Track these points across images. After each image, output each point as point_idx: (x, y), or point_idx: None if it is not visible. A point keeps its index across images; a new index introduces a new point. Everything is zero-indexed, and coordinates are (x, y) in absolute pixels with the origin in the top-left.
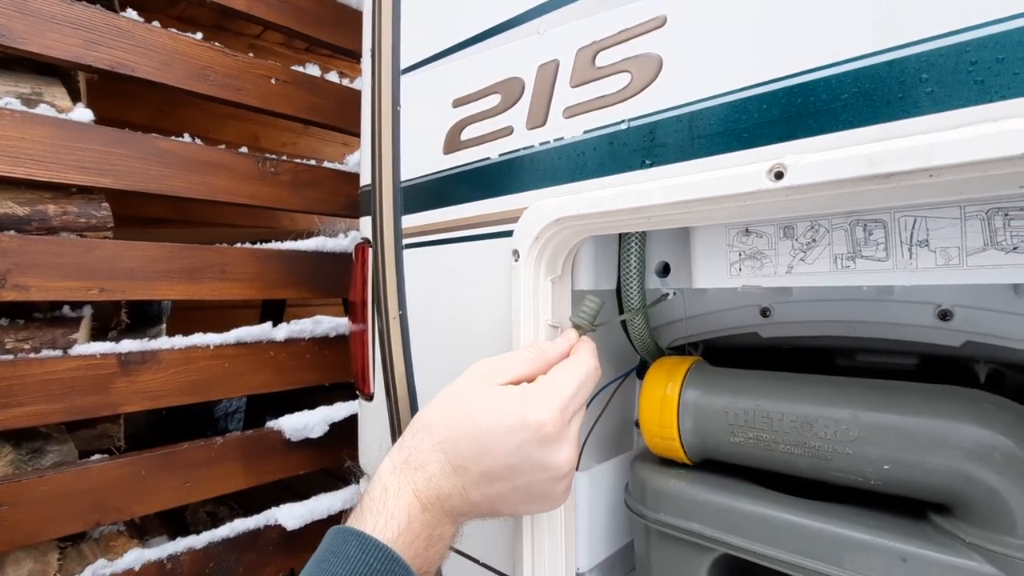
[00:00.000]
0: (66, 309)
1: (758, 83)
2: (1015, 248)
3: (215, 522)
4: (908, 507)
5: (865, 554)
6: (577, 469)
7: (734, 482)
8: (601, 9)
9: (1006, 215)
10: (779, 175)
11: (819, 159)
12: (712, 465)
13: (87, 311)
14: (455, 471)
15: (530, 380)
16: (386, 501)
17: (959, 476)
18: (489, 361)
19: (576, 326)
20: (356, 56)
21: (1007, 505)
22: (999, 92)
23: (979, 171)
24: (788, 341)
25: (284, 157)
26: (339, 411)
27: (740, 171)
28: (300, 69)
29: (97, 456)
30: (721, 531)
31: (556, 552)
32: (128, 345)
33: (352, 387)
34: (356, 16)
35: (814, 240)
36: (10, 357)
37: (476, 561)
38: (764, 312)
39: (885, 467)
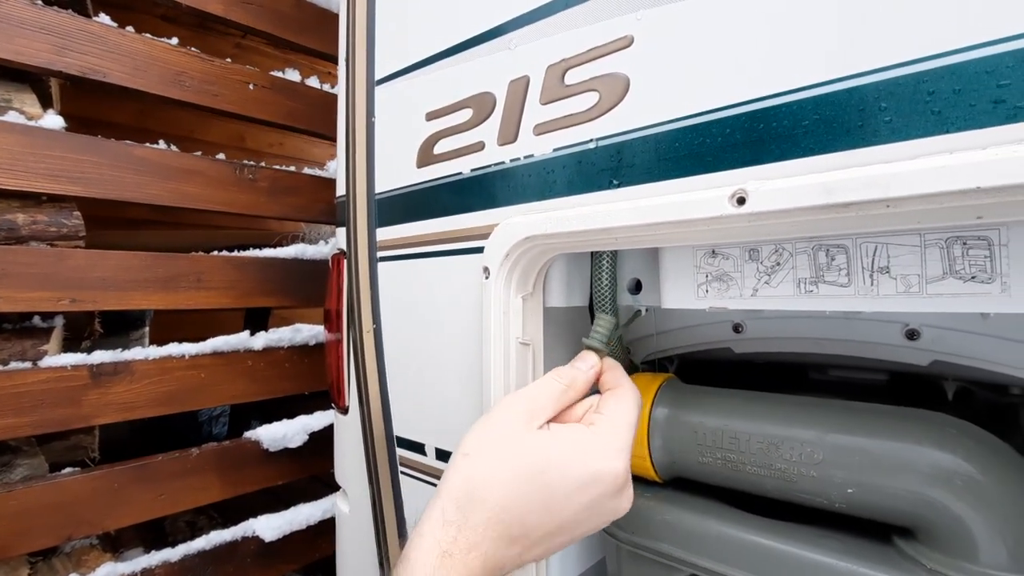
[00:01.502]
0: (36, 320)
1: (722, 107)
2: (973, 277)
3: (194, 532)
4: (874, 530)
5: None
6: None
7: (703, 502)
8: (570, 26)
9: (965, 243)
10: (741, 201)
11: (779, 186)
12: (683, 483)
13: (58, 322)
14: (513, 542)
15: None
16: None
17: (921, 501)
18: (520, 399)
19: (595, 349)
20: (337, 60)
21: (968, 531)
22: (955, 124)
23: (936, 203)
24: (761, 356)
25: (264, 163)
26: (319, 420)
27: (704, 195)
28: (279, 74)
29: (68, 470)
30: (688, 552)
31: (528, 570)
32: (100, 356)
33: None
34: (336, 19)
35: (778, 264)
36: None
37: None
38: (736, 328)
39: (849, 490)
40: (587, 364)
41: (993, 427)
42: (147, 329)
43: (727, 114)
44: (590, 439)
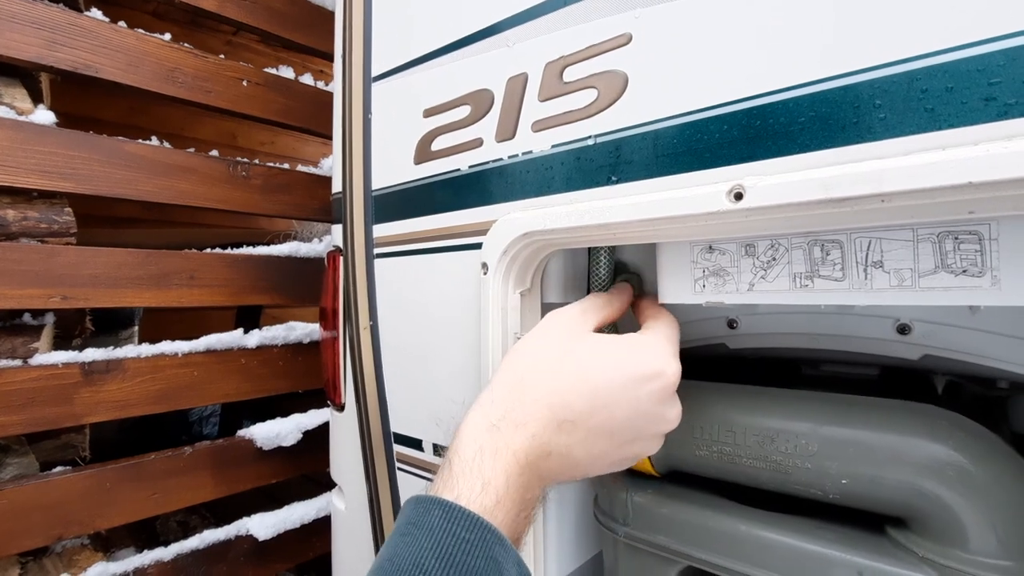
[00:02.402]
0: (27, 317)
1: (719, 103)
2: (964, 271)
3: (186, 532)
4: (868, 520)
5: (824, 567)
6: None
7: (699, 495)
8: (569, 24)
9: (956, 238)
10: (738, 196)
11: (776, 182)
12: (679, 477)
13: (49, 319)
14: (560, 427)
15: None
16: (482, 462)
17: (914, 491)
18: (565, 310)
19: (630, 283)
20: (331, 57)
21: (959, 520)
22: (948, 121)
23: (928, 198)
24: (755, 352)
25: (256, 161)
26: (313, 419)
27: (701, 191)
28: (273, 71)
29: (59, 468)
30: (685, 544)
31: (525, 562)
32: (92, 354)
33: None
34: (330, 17)
35: (774, 259)
36: None
37: None
38: (731, 324)
39: (843, 481)
40: (624, 289)
41: (981, 421)
42: (136, 328)
43: (724, 111)
44: (640, 340)
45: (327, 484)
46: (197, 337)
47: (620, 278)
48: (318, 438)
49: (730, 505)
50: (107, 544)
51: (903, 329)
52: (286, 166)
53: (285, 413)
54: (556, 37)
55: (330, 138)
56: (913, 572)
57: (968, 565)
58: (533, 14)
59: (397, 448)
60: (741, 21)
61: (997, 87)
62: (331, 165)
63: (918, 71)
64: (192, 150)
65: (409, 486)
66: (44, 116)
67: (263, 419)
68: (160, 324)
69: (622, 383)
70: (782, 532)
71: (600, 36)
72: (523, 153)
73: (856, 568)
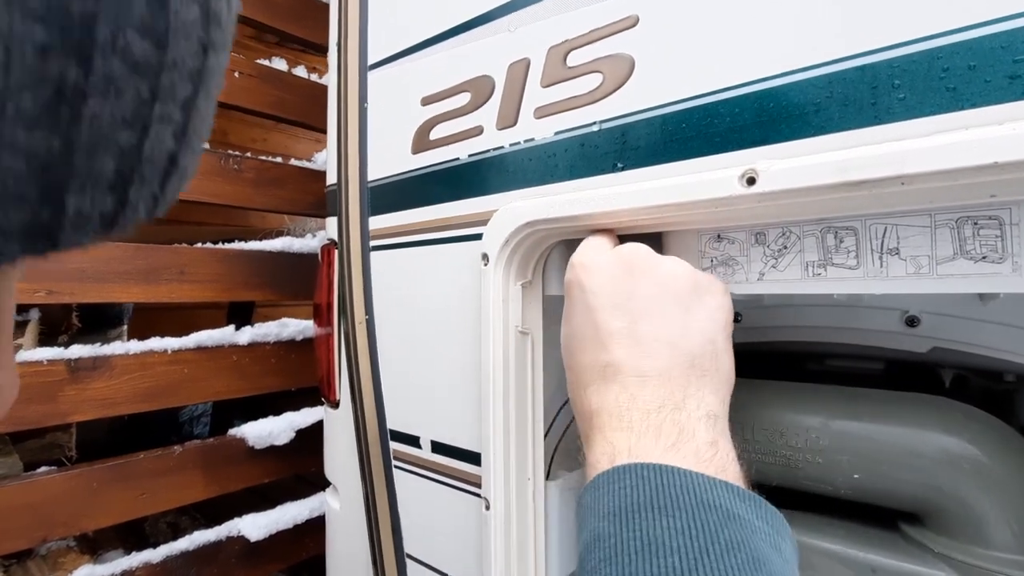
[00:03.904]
0: None
1: (731, 86)
2: (984, 257)
3: (176, 533)
4: (879, 516)
5: (835, 564)
6: (548, 478)
7: None
8: (573, 7)
9: (975, 224)
10: (751, 181)
11: (791, 165)
12: None
13: (34, 315)
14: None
15: None
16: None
17: (928, 485)
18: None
19: None
20: (325, 50)
21: (976, 515)
22: (970, 100)
23: (950, 180)
24: (758, 346)
25: (249, 154)
26: (306, 417)
27: (712, 176)
28: (266, 63)
29: (44, 468)
30: None
31: (526, 562)
32: (78, 351)
33: (319, 392)
34: (324, 9)
35: (785, 247)
36: None
37: (444, 574)
38: (736, 317)
39: (855, 476)
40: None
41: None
42: (125, 328)
43: (736, 94)
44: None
45: (319, 484)
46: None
47: None
48: (311, 437)
49: None
50: (94, 546)
51: (911, 321)
52: (279, 159)
53: (278, 412)
54: (559, 20)
55: (323, 132)
56: (929, 569)
57: (985, 560)
58: None
59: (394, 445)
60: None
61: (1022, 64)
62: (324, 159)
63: (938, 49)
64: None
65: (406, 484)
66: None
67: (255, 419)
68: (150, 323)
69: (657, 272)
70: (793, 529)
71: (606, 18)
72: (525, 140)
73: (869, 566)
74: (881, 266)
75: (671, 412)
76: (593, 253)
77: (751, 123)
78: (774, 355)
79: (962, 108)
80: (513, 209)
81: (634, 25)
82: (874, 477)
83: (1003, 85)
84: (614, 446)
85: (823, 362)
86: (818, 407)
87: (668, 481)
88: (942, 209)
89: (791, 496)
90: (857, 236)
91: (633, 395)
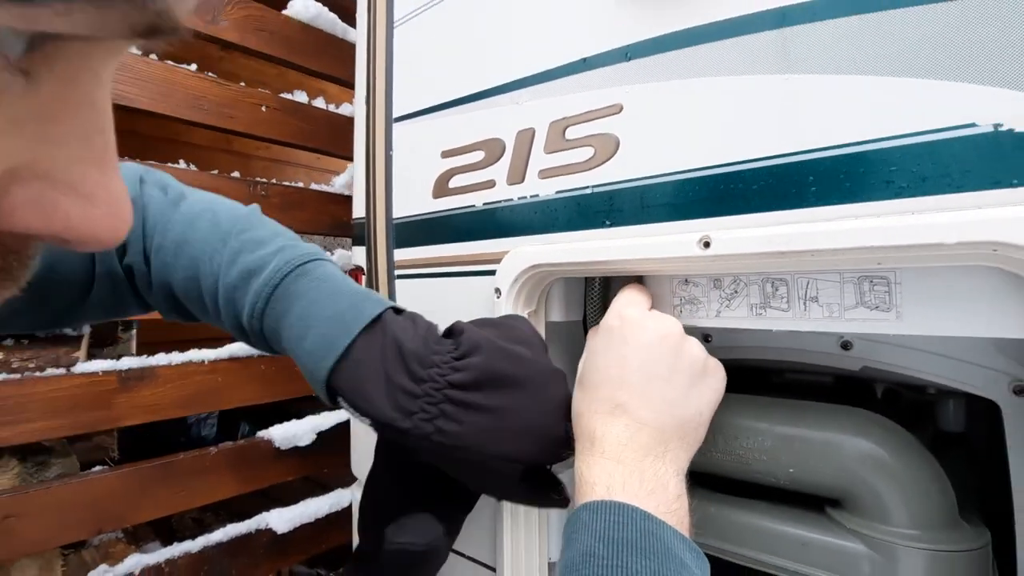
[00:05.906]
0: (67, 329)
1: (693, 168)
2: (877, 307)
3: (201, 528)
4: (810, 502)
5: (776, 540)
6: None
7: None
8: (569, 91)
9: (871, 281)
10: (707, 244)
11: (735, 235)
12: None
13: (86, 329)
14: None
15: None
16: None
17: (846, 477)
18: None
19: None
20: (342, 82)
21: (880, 499)
22: (860, 196)
23: (845, 254)
24: (727, 362)
25: (262, 179)
26: (326, 420)
27: (678, 239)
28: (289, 96)
29: (97, 468)
30: None
31: (532, 543)
32: (128, 362)
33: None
34: (337, 42)
35: (736, 291)
36: (17, 376)
37: (461, 554)
38: (706, 338)
39: (791, 470)
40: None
41: (915, 419)
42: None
43: (697, 174)
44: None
45: (328, 486)
46: (223, 345)
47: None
48: (331, 438)
49: (702, 492)
50: (136, 538)
51: (846, 345)
52: (301, 184)
53: (287, 416)
54: (560, 101)
55: (341, 157)
56: (844, 542)
57: (887, 535)
58: (540, 79)
59: None
60: (711, 103)
61: (894, 173)
62: (343, 183)
63: (840, 157)
64: (216, 172)
65: None
66: None
67: (259, 422)
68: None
69: (646, 341)
70: (743, 513)
71: (596, 103)
72: (531, 196)
73: (801, 541)
74: (805, 309)
75: (653, 461)
76: (636, 311)
77: (708, 198)
78: (740, 370)
79: (855, 201)
80: (521, 253)
81: (619, 112)
82: (806, 471)
83: (881, 187)
84: (611, 477)
85: (783, 376)
86: (766, 416)
87: (648, 529)
88: (847, 270)
89: (744, 486)
90: (788, 286)
91: (632, 435)
